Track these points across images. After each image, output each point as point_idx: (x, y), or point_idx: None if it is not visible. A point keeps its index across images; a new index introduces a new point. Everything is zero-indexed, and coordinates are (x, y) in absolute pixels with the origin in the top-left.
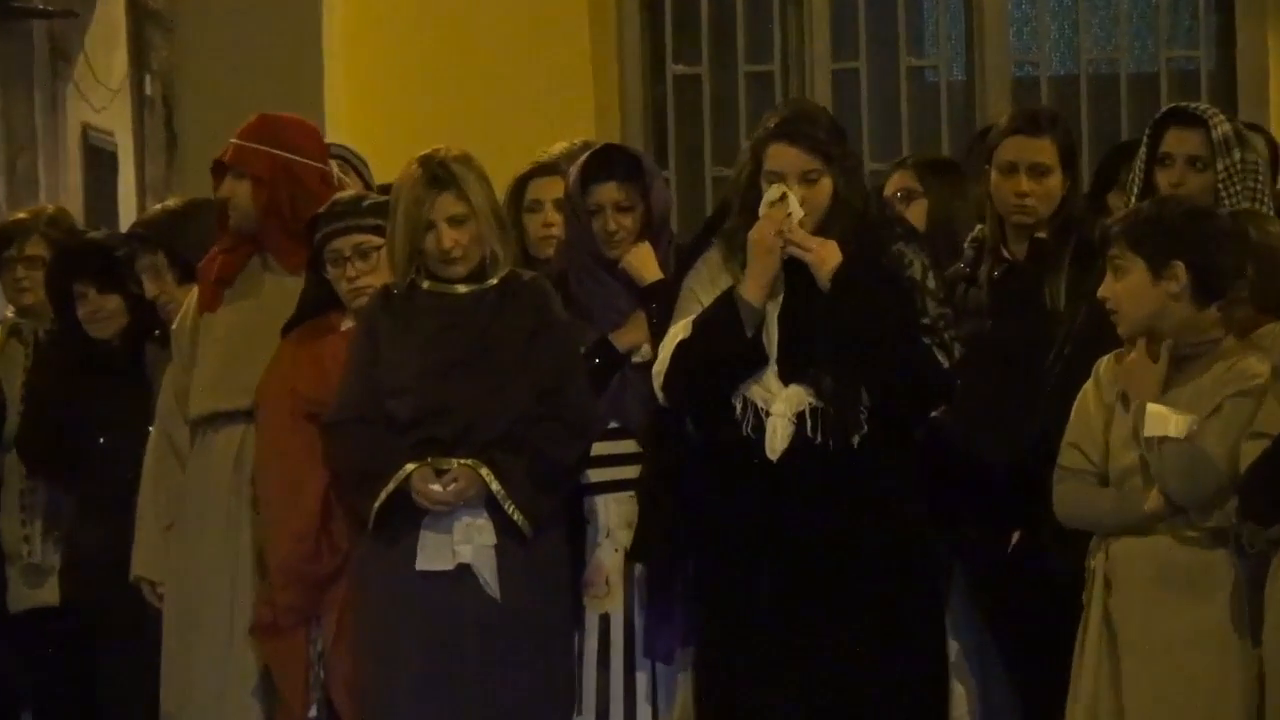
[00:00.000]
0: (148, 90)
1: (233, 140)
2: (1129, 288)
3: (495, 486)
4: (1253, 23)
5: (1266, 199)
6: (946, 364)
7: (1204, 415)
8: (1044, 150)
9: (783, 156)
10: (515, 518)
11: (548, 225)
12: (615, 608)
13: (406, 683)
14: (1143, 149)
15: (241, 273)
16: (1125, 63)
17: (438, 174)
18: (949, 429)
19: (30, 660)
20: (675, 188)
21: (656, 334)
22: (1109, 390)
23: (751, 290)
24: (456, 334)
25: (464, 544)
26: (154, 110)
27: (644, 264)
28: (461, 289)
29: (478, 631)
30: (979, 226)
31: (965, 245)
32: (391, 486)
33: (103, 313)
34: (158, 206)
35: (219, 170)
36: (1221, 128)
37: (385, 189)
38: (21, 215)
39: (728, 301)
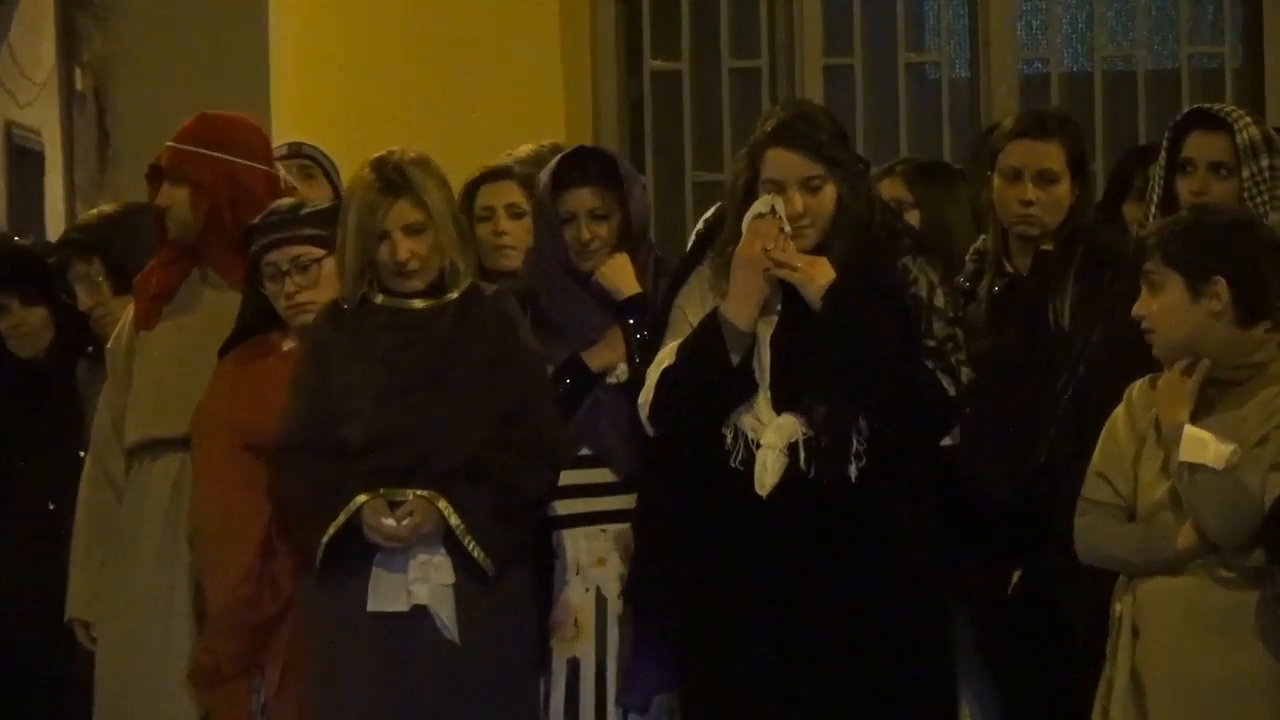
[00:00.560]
0: (78, 85)
1: (170, 143)
2: (1165, 306)
3: (454, 520)
4: None
5: None
6: (953, 390)
7: (1249, 446)
8: (1051, 155)
9: (782, 163)
10: (476, 554)
11: (500, 234)
12: (585, 651)
13: None
14: (1162, 154)
15: (181, 287)
16: (1143, 59)
17: (392, 178)
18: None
19: None
20: (653, 194)
21: (634, 353)
22: (1142, 417)
23: (737, 312)
24: (412, 353)
25: (420, 583)
26: (84, 107)
27: (620, 276)
28: (418, 304)
29: (434, 678)
30: (982, 238)
31: (967, 258)
32: (341, 520)
33: (26, 326)
34: (94, 211)
35: (156, 176)
36: (1248, 131)
37: None
38: None
39: (712, 324)
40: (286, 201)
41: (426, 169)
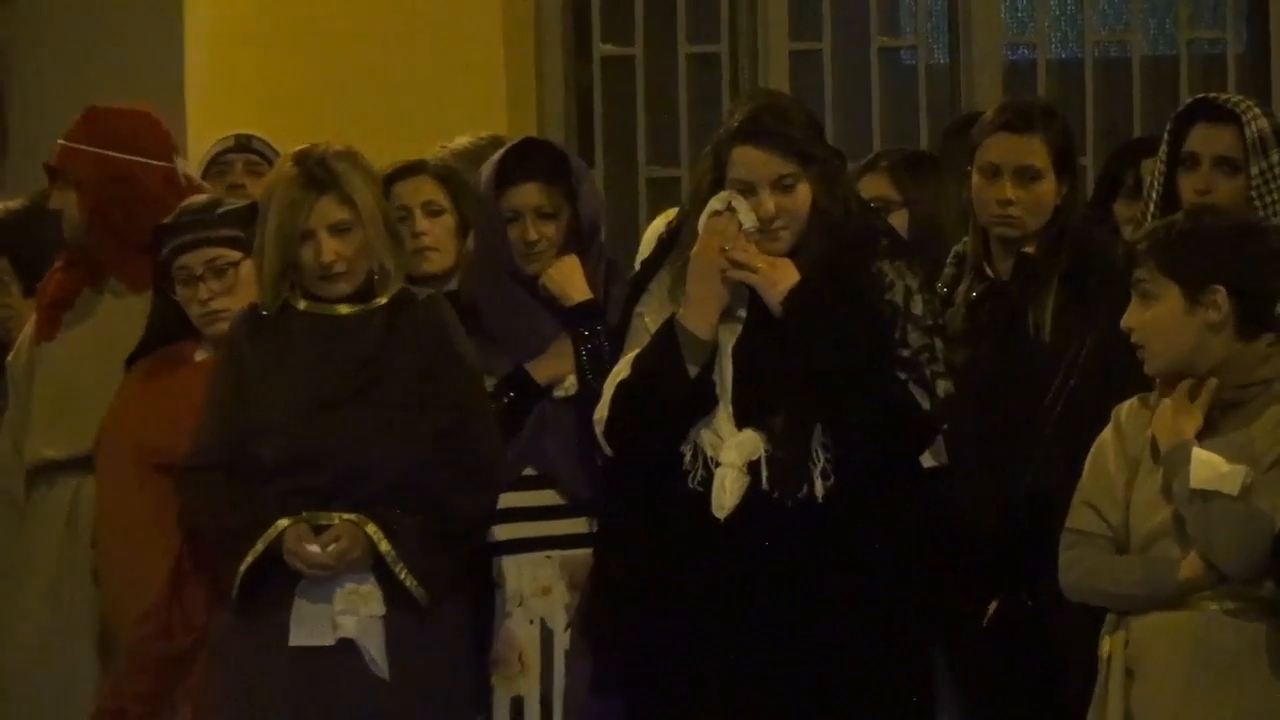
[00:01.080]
0: None
1: (59, 141)
2: (1159, 317)
3: (384, 546)
4: None
5: None
6: (927, 404)
7: (1261, 469)
8: (1033, 150)
9: (751, 162)
10: (408, 583)
11: (418, 235)
12: (530, 689)
13: None
14: (1163, 149)
15: (80, 294)
16: (1138, 45)
17: (316, 174)
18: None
19: None
20: (604, 190)
21: (583, 364)
22: (1133, 441)
23: (695, 319)
24: (338, 363)
25: (346, 615)
26: None
27: (569, 280)
28: (344, 310)
29: (362, 718)
30: (962, 240)
31: (947, 261)
32: (260, 547)
33: None
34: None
35: (53, 175)
36: (1257, 124)
37: None
38: None
39: (669, 333)
40: (200, 199)
41: (354, 163)
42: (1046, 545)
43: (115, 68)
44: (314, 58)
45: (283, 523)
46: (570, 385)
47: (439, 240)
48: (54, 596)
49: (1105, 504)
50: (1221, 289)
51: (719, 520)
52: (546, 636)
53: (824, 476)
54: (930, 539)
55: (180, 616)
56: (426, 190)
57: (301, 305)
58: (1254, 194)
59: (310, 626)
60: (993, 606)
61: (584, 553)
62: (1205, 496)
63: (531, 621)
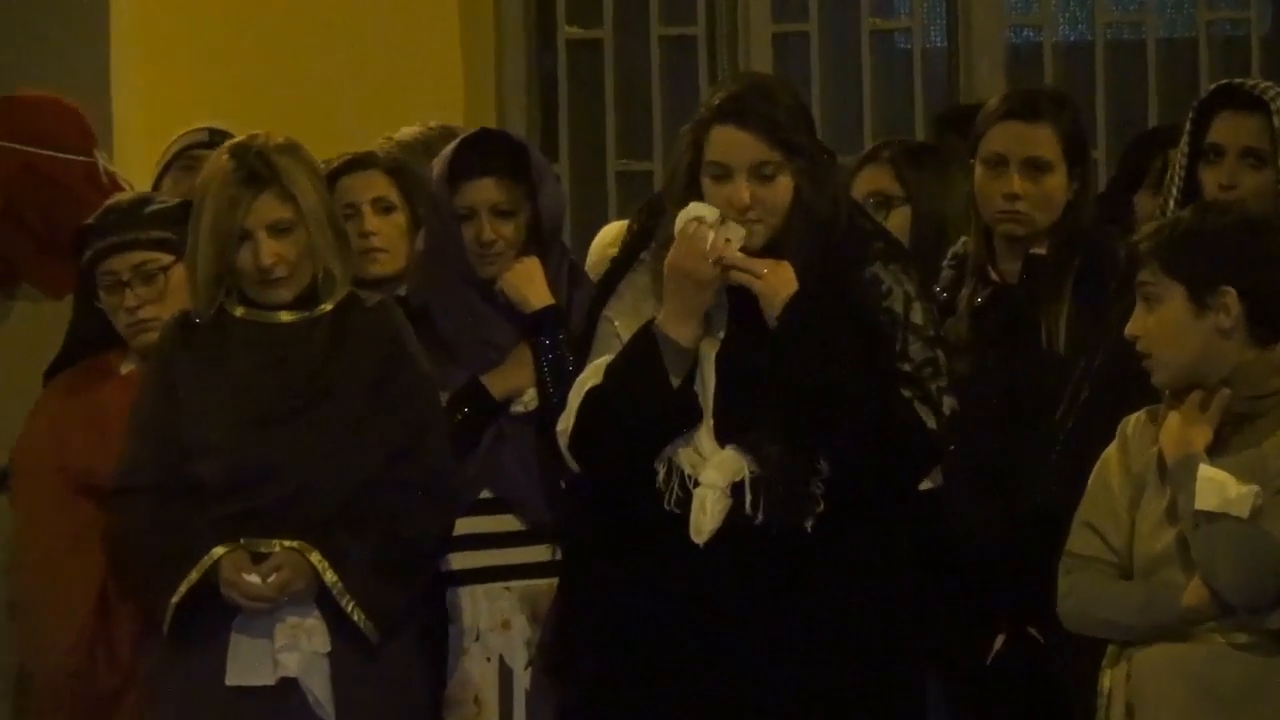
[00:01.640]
0: None
1: None
2: (1165, 323)
3: (330, 576)
4: None
5: None
6: (933, 423)
7: (1272, 490)
8: (1042, 140)
9: (730, 144)
10: (355, 617)
11: (366, 235)
12: None
13: None
14: (1184, 139)
15: None
16: (1154, 27)
17: (255, 168)
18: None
19: None
20: (569, 186)
21: (545, 376)
22: (1138, 457)
23: (675, 326)
24: (279, 376)
25: (289, 652)
26: None
27: (529, 285)
28: (286, 317)
29: None
30: (962, 239)
31: (944, 263)
32: (194, 577)
33: None
34: None
35: None
36: None
37: None
38: None
39: (647, 340)
40: (125, 197)
41: (296, 157)
42: (1056, 574)
43: (34, 54)
44: (254, 42)
45: (218, 550)
46: (530, 399)
47: (389, 240)
48: None
49: (1107, 526)
50: (1231, 290)
51: (697, 546)
52: (505, 675)
53: (810, 504)
54: (927, 568)
55: (105, 653)
56: (376, 185)
57: (239, 312)
58: None
59: (249, 665)
60: (998, 641)
61: (546, 583)
62: (1211, 518)
63: (489, 659)
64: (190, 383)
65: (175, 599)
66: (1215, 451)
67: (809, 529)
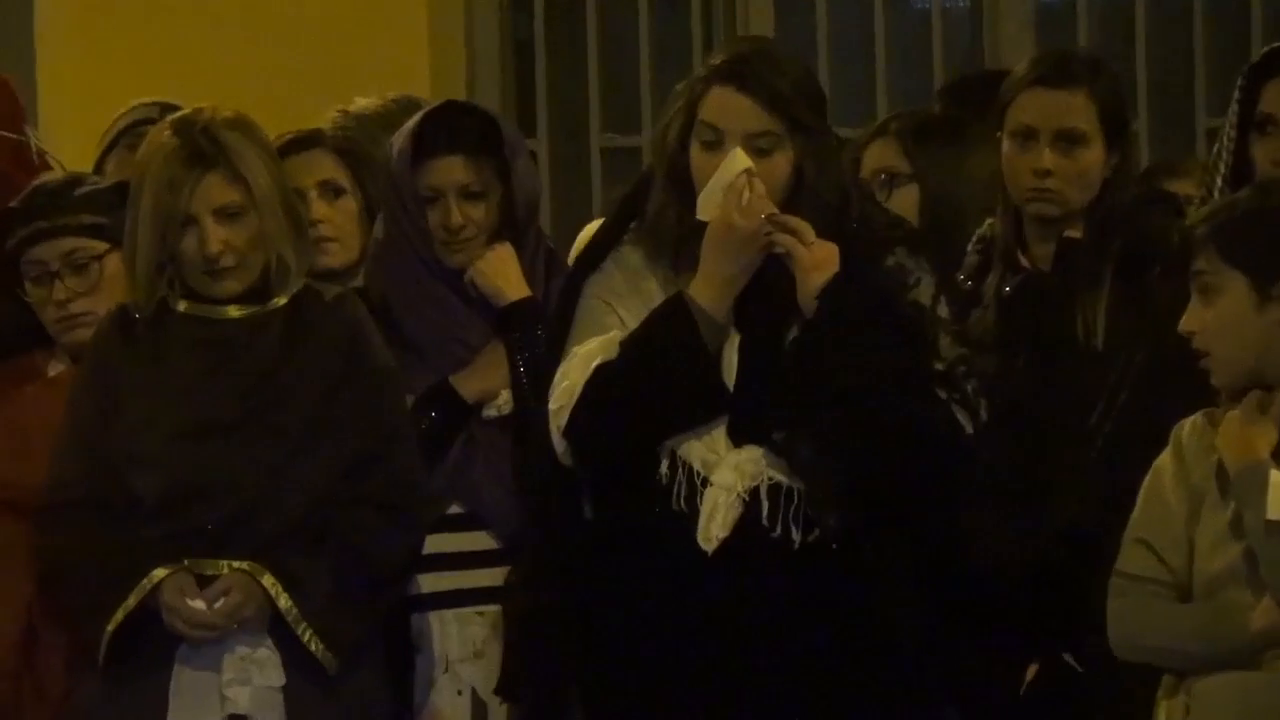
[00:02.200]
0: None
1: None
2: (1224, 317)
3: (284, 602)
4: None
5: None
6: (970, 427)
7: None
8: (1076, 109)
9: (726, 107)
10: (312, 646)
11: (314, 223)
12: None
13: None
14: (1232, 110)
15: None
16: None
17: (201, 146)
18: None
19: None
20: (547, 165)
21: (521, 377)
22: (1196, 465)
23: (711, 295)
24: (228, 378)
25: (238, 686)
26: None
27: (501, 275)
28: (234, 312)
29: None
30: (988, 222)
31: (969, 247)
32: (132, 602)
33: None
34: None
35: None
36: None
37: None
38: None
39: (677, 310)
40: (55, 178)
41: (246, 133)
42: (1094, 595)
43: None
44: (196, 9)
45: (159, 573)
46: (504, 403)
47: (339, 228)
48: None
49: (1162, 542)
50: None
51: (702, 552)
52: (478, 709)
53: (837, 515)
54: (953, 587)
55: (32, 685)
56: (322, 167)
57: (182, 307)
58: None
59: (194, 699)
60: (1031, 671)
61: None
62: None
63: (460, 691)
64: (128, 386)
65: (111, 627)
66: None
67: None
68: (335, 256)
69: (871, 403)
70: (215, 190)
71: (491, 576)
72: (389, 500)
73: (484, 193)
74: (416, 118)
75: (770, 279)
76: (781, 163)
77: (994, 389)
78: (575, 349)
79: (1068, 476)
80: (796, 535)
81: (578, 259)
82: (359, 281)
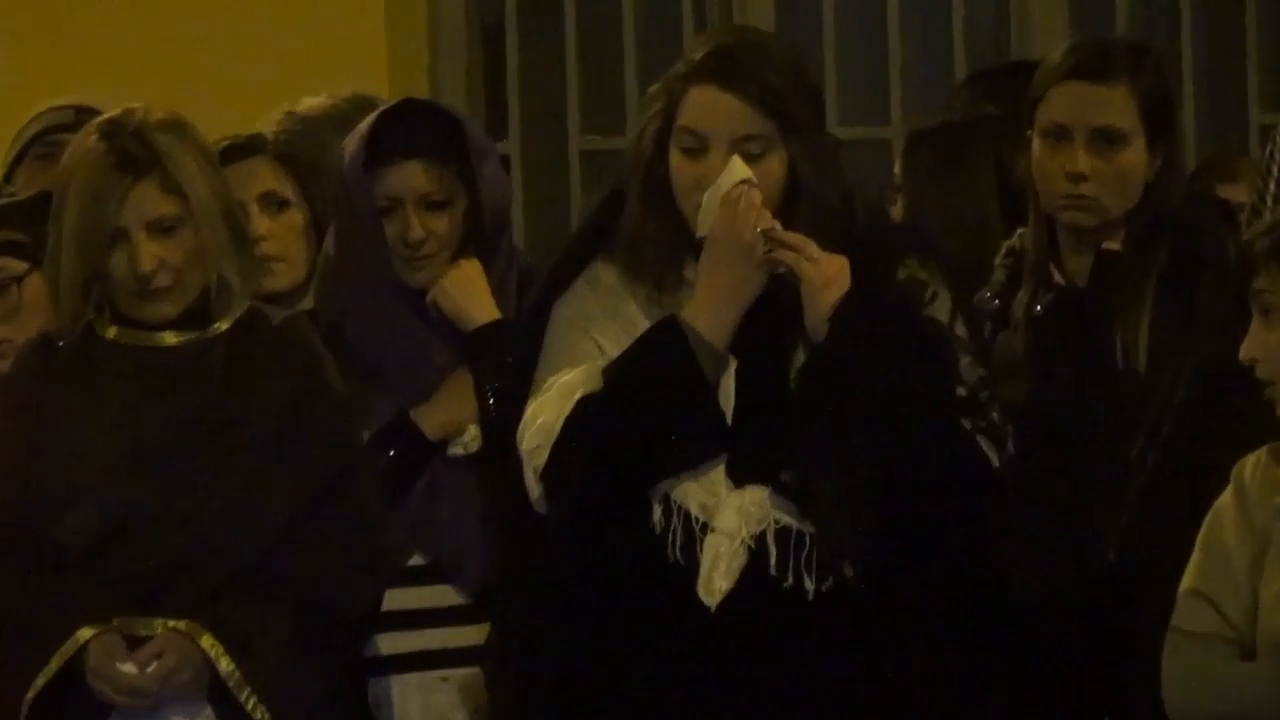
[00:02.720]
0: None
1: None
2: None
3: (225, 664)
4: None
5: None
6: (997, 460)
7: None
8: (1116, 105)
9: (708, 108)
10: (257, 715)
11: (255, 241)
12: None
13: None
14: None
15: None
16: None
17: (131, 152)
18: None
19: None
20: (519, 170)
21: (490, 409)
22: (1260, 508)
23: (709, 320)
24: (163, 411)
25: None
26: None
27: (468, 295)
28: (171, 339)
29: None
30: (1019, 232)
31: (997, 261)
32: (54, 666)
33: None
34: None
35: None
36: None
37: None
38: None
39: (671, 336)
40: None
41: (183, 138)
42: (1138, 650)
43: None
44: None
45: (85, 633)
46: (472, 439)
47: (283, 245)
48: None
49: (1224, 594)
50: None
51: (703, 608)
52: None
53: (855, 563)
54: (980, 639)
55: None
56: (265, 177)
57: (111, 333)
58: None
59: None
60: None
61: None
62: None
63: None
64: (52, 419)
65: (31, 694)
66: None
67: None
68: (280, 277)
69: (891, 435)
70: (148, 201)
71: (458, 636)
72: (347, 545)
73: (447, 202)
74: (371, 118)
75: (772, 297)
76: (775, 167)
77: (1024, 417)
78: (550, 380)
79: (1107, 515)
80: (810, 585)
81: (544, 277)
82: (308, 304)
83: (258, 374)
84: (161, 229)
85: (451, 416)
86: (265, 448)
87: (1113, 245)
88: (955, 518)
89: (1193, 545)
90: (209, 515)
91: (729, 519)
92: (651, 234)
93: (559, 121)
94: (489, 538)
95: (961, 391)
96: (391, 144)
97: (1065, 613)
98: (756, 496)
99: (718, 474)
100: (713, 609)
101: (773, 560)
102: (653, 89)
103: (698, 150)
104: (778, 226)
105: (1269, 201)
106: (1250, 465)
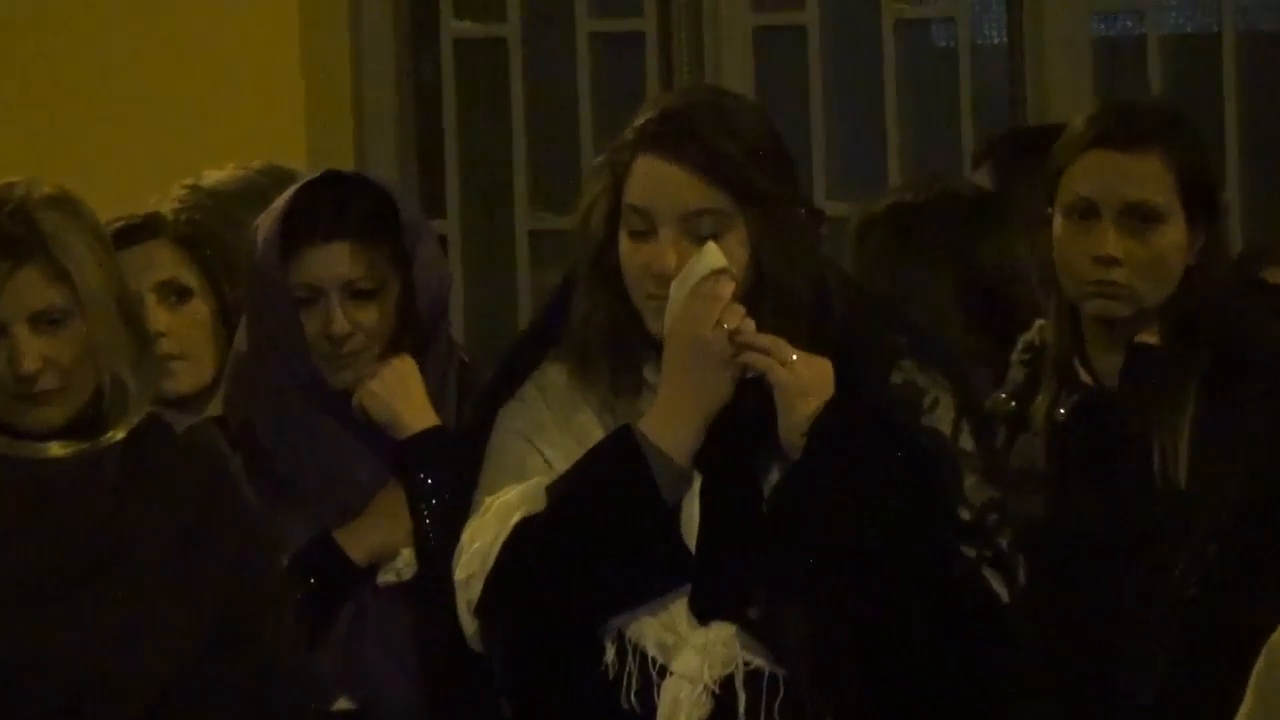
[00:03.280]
0: None
1: None
2: None
3: None
4: None
5: None
6: (1006, 594)
7: None
8: (1149, 178)
9: (653, 181)
10: None
11: (154, 337)
12: None
13: None
14: None
15: None
16: None
17: (11, 232)
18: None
19: None
20: (459, 251)
21: (425, 529)
22: None
23: (669, 431)
24: (48, 534)
25: None
26: None
27: (401, 397)
28: (57, 450)
29: None
30: (1038, 324)
31: (1013, 357)
32: None
33: None
34: None
35: None
36: None
37: None
38: None
39: (626, 450)
40: None
41: (72, 216)
42: None
43: None
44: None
45: None
46: (405, 565)
47: (187, 342)
48: None
49: None
50: None
51: None
52: None
53: (840, 710)
54: None
55: None
56: (164, 263)
57: None
58: None
59: None
60: None
61: None
62: None
63: None
64: None
65: None
66: None
67: None
68: (183, 378)
69: (877, 567)
70: (31, 290)
71: None
72: (257, 694)
73: (377, 290)
74: (288, 193)
75: (741, 405)
76: (734, 248)
77: (1042, 539)
78: (488, 500)
79: (1142, 651)
80: None
81: (489, 378)
82: (215, 409)
83: (155, 492)
84: (47, 322)
85: (382, 538)
86: (163, 577)
87: (1147, 339)
88: (954, 660)
89: (1243, 689)
90: (95, 658)
91: (690, 661)
92: (604, 330)
93: (504, 197)
94: (424, 677)
95: (965, 515)
96: (312, 223)
97: None
98: (722, 635)
99: (678, 609)
100: None
101: (741, 708)
102: (597, 161)
103: (645, 232)
104: (748, 324)
105: None
106: None
